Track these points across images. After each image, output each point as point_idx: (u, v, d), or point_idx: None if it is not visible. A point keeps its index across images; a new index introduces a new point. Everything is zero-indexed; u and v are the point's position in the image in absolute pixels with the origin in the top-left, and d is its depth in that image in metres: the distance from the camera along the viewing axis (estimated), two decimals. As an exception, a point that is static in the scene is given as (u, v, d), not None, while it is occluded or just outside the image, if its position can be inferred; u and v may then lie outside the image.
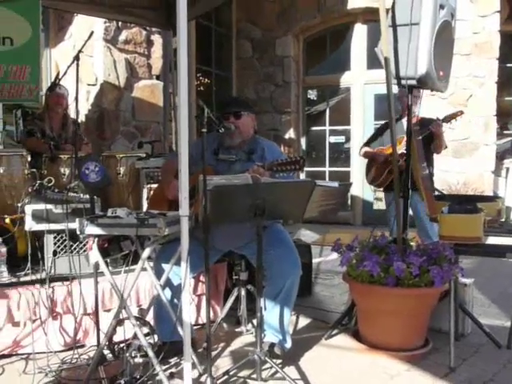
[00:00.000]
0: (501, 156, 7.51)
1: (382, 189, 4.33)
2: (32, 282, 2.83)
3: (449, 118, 3.95)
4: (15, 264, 2.99)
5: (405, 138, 3.77)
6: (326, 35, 8.45)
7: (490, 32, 7.03)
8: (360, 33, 8.03)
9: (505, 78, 7.51)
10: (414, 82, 3.01)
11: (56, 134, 4.04)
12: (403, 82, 3.03)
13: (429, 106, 5.39)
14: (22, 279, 2.83)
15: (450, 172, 7.18)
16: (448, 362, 2.71)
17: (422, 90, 3.62)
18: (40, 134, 3.97)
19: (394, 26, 3.05)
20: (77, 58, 3.11)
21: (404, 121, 4.05)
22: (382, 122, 5.06)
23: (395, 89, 3.57)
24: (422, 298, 2.83)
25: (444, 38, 3.02)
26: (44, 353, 2.73)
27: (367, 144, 4.40)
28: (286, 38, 8.26)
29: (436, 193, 3.73)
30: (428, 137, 3.90)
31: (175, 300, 2.68)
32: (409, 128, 3.17)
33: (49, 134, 3.99)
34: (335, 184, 2.50)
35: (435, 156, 4.25)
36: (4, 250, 2.84)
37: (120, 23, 5.70)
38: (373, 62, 7.51)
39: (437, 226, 3.96)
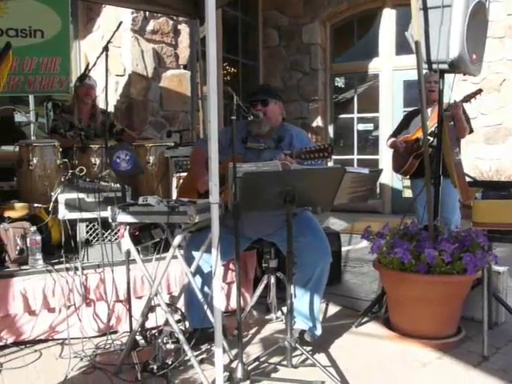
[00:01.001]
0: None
1: (408, 177, 4.28)
2: (66, 270, 2.89)
3: (468, 98, 3.85)
4: (49, 252, 3.05)
5: (429, 124, 3.71)
6: (353, 21, 8.32)
7: (525, 13, 6.81)
8: (388, 17, 7.88)
9: (540, 60, 7.29)
10: (445, 66, 2.94)
11: (85, 125, 4.11)
12: (434, 66, 2.96)
13: (461, 91, 5.26)
14: (56, 267, 2.89)
15: (483, 159, 7.02)
16: (481, 351, 2.67)
17: (453, 76, 3.53)
18: (68, 126, 4.03)
19: (425, 8, 2.97)
20: (106, 48, 3.15)
21: (429, 109, 3.97)
22: (412, 109, 4.98)
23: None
24: (453, 286, 2.79)
25: (477, 20, 2.93)
26: (79, 338, 2.80)
27: (393, 135, 4.37)
28: (312, 25, 8.17)
29: (468, 179, 3.65)
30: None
31: (205, 287, 2.71)
32: (440, 113, 3.10)
33: (77, 125, 4.05)
34: (366, 170, 2.46)
35: (466, 142, 4.15)
36: (39, 238, 2.90)
37: (147, 13, 5.72)
38: (402, 47, 7.37)
39: (459, 218, 3.90)
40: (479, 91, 3.85)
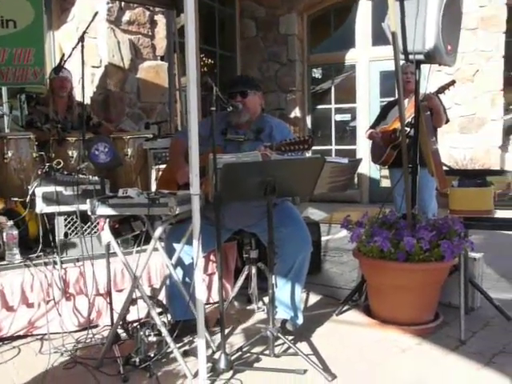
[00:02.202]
0: (507, 131, 7.46)
1: (386, 167, 4.34)
2: (44, 264, 2.85)
3: (441, 90, 3.91)
4: (27, 246, 3.01)
5: (406, 114, 3.76)
6: (330, 12, 8.35)
7: (497, 5, 6.94)
8: (365, 9, 7.92)
9: (512, 52, 7.44)
10: (421, 57, 2.97)
11: (61, 117, 4.03)
12: (411, 56, 3.00)
13: (435, 81, 5.33)
14: (34, 261, 2.85)
15: (457, 148, 7.15)
16: (458, 336, 2.73)
17: (428, 67, 3.57)
18: (44, 119, 3.95)
19: (401, 0, 3.00)
20: (81, 39, 3.10)
21: (406, 100, 4.01)
22: (388, 99, 5.04)
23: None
24: (431, 273, 2.84)
25: (452, 12, 2.97)
26: (59, 333, 2.77)
27: (372, 127, 4.43)
28: (289, 16, 8.16)
29: (445, 168, 3.71)
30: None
31: (187, 279, 2.71)
32: (417, 103, 3.14)
33: (53, 117, 3.97)
34: (345, 160, 2.49)
35: (441, 132, 4.22)
36: (15, 232, 2.85)
37: (123, 4, 5.63)
38: (378, 38, 7.43)
39: (436, 206, 3.97)
40: (452, 82, 3.91)
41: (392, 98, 4.97)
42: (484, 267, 3.39)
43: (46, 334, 2.76)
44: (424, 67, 3.29)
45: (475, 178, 2.83)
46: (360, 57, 8.08)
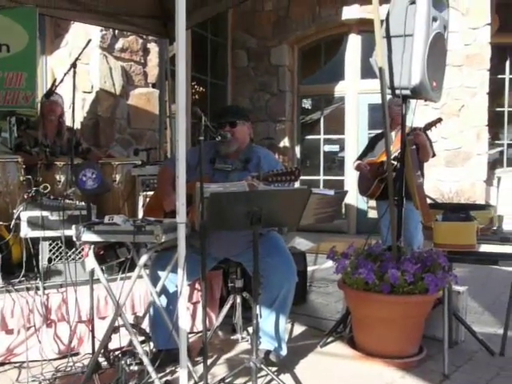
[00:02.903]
0: (492, 165, 7.60)
1: (373, 199, 4.38)
2: (26, 289, 2.81)
3: (428, 126, 4.00)
4: (9, 271, 2.97)
5: (392, 148, 3.82)
6: (320, 45, 8.53)
7: (481, 44, 7.14)
8: (354, 43, 8.12)
9: (496, 88, 7.62)
10: (408, 92, 3.05)
11: (50, 141, 4.04)
12: (397, 91, 3.07)
13: (422, 116, 5.44)
14: (16, 286, 2.81)
15: (443, 181, 7.25)
16: (442, 369, 2.72)
17: (415, 102, 3.65)
18: (33, 143, 3.95)
19: (388, 36, 3.10)
20: (74, 65, 3.13)
21: (393, 133, 4.10)
22: (376, 131, 5.12)
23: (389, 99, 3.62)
24: (415, 306, 2.85)
25: (437, 50, 3.06)
26: (38, 361, 2.71)
27: (359, 158, 4.49)
28: (281, 48, 8.32)
29: (429, 201, 3.76)
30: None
31: (171, 307, 2.68)
32: (403, 137, 3.20)
33: (42, 141, 3.97)
34: (331, 192, 2.51)
35: (428, 165, 4.29)
36: (-2, 256, 2.82)
37: (116, 31, 5.72)
38: (366, 71, 7.58)
39: (421, 238, 4.01)
40: (439, 120, 4.00)
41: (380, 131, 5.05)
42: (468, 300, 3.41)
43: (24, 362, 2.69)
44: (411, 101, 3.38)
45: (459, 212, 2.87)
46: (349, 89, 8.23)
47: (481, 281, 4.46)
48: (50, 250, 2.98)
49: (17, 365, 2.75)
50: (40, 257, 2.95)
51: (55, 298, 2.86)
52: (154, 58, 6.20)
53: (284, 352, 2.80)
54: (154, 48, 6.16)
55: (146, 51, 6.15)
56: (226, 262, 3.00)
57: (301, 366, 2.85)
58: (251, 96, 8.50)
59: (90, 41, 3.36)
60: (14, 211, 2.95)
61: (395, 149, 3.76)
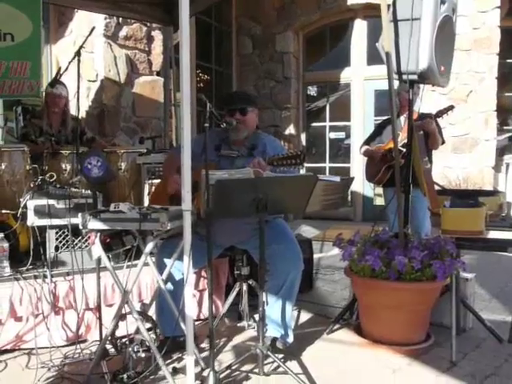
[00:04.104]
0: (500, 152, 7.52)
1: (381, 185, 4.35)
2: (34, 277, 2.83)
3: (440, 114, 3.95)
4: (17, 259, 2.99)
5: (401, 135, 3.79)
6: (325, 31, 8.44)
7: (490, 27, 7.02)
8: (360, 28, 8.02)
9: (505, 73, 7.52)
10: (415, 77, 3.01)
11: (55, 130, 4.04)
12: (404, 77, 3.03)
13: (429, 101, 5.39)
14: (24, 274, 2.83)
15: (451, 168, 7.19)
16: (450, 357, 2.72)
17: (422, 86, 3.61)
18: (38, 132, 3.96)
19: (395, 21, 3.04)
20: (78, 54, 3.10)
21: (402, 118, 4.06)
22: (383, 117, 5.07)
23: (396, 84, 3.58)
24: (423, 293, 2.84)
25: (445, 33, 3.01)
26: (47, 348, 2.74)
27: (367, 143, 4.44)
28: (285, 34, 8.25)
29: (437, 187, 3.73)
30: (423, 133, 3.90)
31: (177, 295, 2.68)
32: (411, 123, 3.17)
33: (47, 130, 3.98)
34: (337, 178, 2.51)
35: (435, 151, 4.25)
36: (6, 245, 2.83)
37: (120, 19, 5.69)
38: (373, 57, 7.51)
39: (429, 226, 3.99)
40: (451, 107, 3.95)
41: (388, 116, 5.01)
42: (476, 287, 3.40)
43: (33, 349, 2.72)
44: (418, 86, 3.33)
45: (467, 198, 2.85)
46: (355, 75, 8.15)
47: (489, 268, 4.44)
48: (57, 239, 2.99)
49: (26, 351, 2.78)
50: (47, 245, 2.96)
51: (63, 286, 2.88)
52: (158, 46, 6.16)
53: (290, 339, 2.80)
54: (158, 36, 6.11)
55: (150, 39, 6.11)
56: (232, 249, 3.00)
57: (307, 353, 2.85)
58: (256, 83, 8.45)
59: (93, 28, 3.34)
60: (21, 200, 2.95)
61: (404, 135, 3.72)
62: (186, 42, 2.09)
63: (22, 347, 2.80)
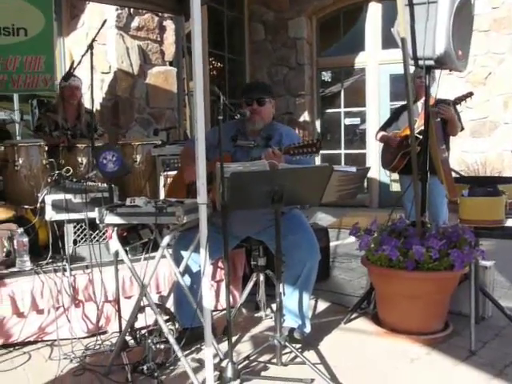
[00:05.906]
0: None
1: (396, 172, 4.30)
2: (54, 271, 2.87)
3: (458, 101, 3.88)
4: (37, 253, 3.03)
5: (418, 122, 3.73)
6: (339, 15, 8.32)
7: (510, 6, 6.84)
8: (374, 12, 7.90)
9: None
10: (431, 63, 2.95)
11: (71, 124, 4.06)
12: (421, 62, 2.97)
13: (446, 85, 5.29)
14: (44, 268, 2.87)
15: (468, 152, 7.08)
16: (469, 346, 2.70)
17: (439, 71, 3.54)
18: (53, 126, 3.98)
19: (411, 4, 2.98)
20: (91, 46, 3.11)
21: (419, 103, 4.00)
22: (398, 102, 5.01)
23: (412, 70, 3.52)
24: (441, 282, 2.81)
25: (463, 16, 2.94)
26: (68, 339, 2.79)
27: (383, 129, 4.37)
28: (298, 20, 8.16)
29: (455, 175, 3.68)
30: (441, 120, 3.84)
31: (194, 286, 2.70)
32: (427, 109, 3.12)
33: (63, 124, 4.00)
34: (353, 169, 2.48)
35: (453, 137, 4.18)
36: (26, 239, 2.87)
37: (132, 10, 5.67)
38: (388, 41, 7.38)
39: (447, 212, 3.94)
40: (470, 94, 3.88)
41: (404, 102, 4.94)
42: (495, 275, 3.35)
43: (55, 340, 2.78)
44: (435, 72, 3.26)
45: (486, 185, 2.79)
46: (369, 60, 8.05)
47: (508, 255, 4.37)
48: (75, 233, 3.03)
49: (49, 343, 2.84)
50: (65, 239, 3.00)
51: (82, 279, 2.91)
52: (170, 36, 6.13)
53: (308, 329, 2.81)
54: (170, 25, 6.09)
55: (162, 29, 6.09)
56: (248, 240, 3.00)
57: (325, 342, 2.86)
58: (269, 70, 8.39)
59: (105, 21, 3.33)
60: (39, 195, 2.98)
61: (421, 122, 3.66)
62: (197, 31, 2.07)
63: (44, 339, 2.85)
